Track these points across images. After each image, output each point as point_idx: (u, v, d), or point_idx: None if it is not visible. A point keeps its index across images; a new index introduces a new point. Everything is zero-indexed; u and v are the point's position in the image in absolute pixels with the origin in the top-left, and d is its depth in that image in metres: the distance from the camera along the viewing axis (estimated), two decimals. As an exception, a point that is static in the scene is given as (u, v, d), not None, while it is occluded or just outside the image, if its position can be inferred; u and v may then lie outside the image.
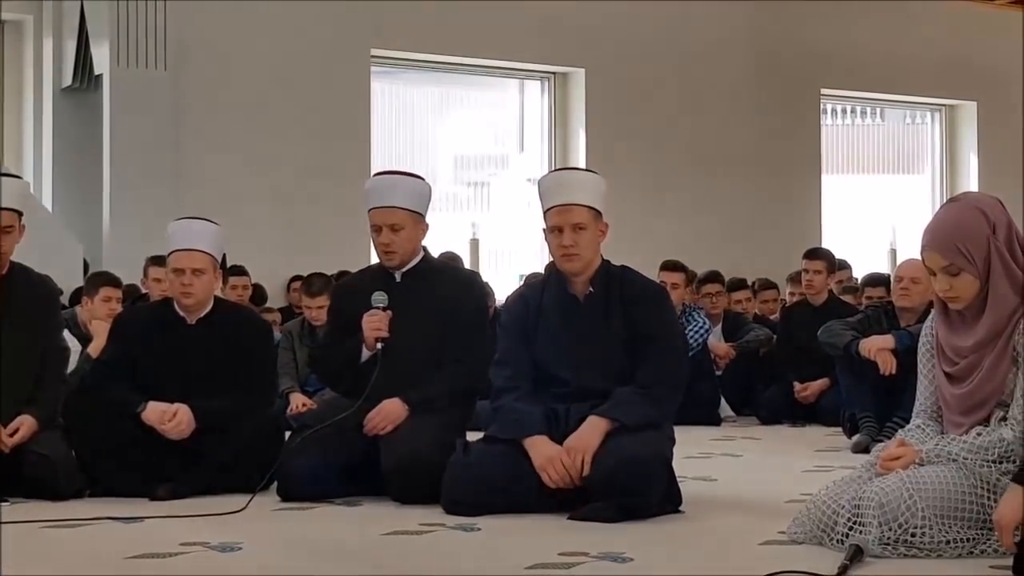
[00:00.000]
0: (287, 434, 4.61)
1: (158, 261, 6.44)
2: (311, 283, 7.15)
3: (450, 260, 7.22)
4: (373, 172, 10.22)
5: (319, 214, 10.00)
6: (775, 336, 7.92)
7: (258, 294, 9.18)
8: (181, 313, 4.63)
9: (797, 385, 7.36)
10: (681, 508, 3.99)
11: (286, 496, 4.28)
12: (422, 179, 4.63)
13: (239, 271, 8.44)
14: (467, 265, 9.13)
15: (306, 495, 4.25)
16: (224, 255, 4.76)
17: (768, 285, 9.36)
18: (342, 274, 7.39)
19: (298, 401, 6.60)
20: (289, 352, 6.90)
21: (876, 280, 8.14)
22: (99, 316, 6.27)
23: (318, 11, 10.12)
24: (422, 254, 4.61)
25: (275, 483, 4.31)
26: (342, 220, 10.05)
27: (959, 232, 3.29)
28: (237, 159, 9.77)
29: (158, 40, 9.33)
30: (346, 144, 10.24)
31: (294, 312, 8.50)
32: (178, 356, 4.55)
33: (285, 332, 7.13)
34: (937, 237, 3.34)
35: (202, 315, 4.63)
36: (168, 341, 4.59)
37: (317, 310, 6.92)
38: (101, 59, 9.33)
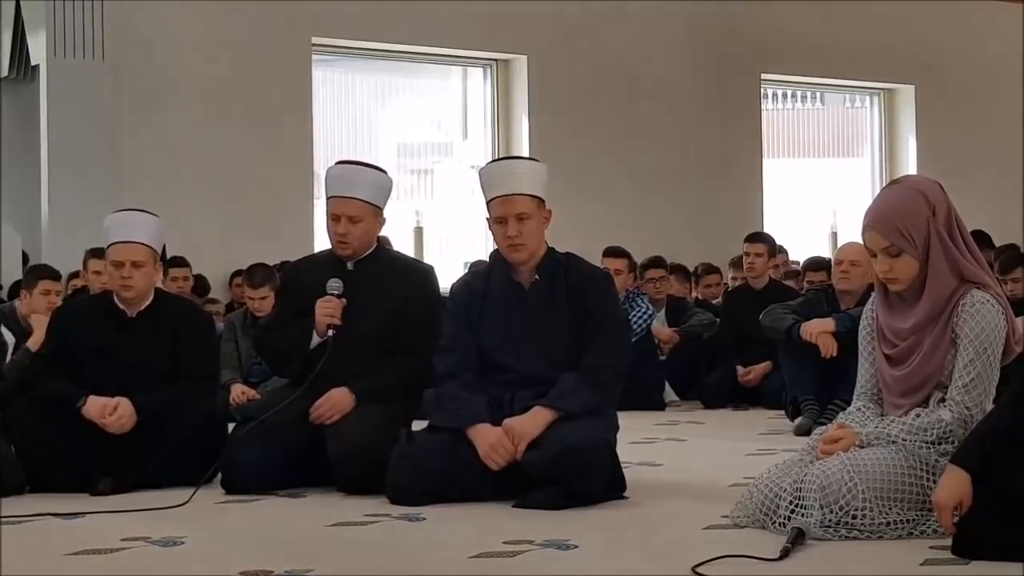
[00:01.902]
0: (231, 426, 4.58)
1: (98, 253, 6.36)
2: (253, 274, 7.08)
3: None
4: (316, 161, 10.29)
5: (261, 204, 9.92)
6: (718, 320, 7.97)
7: (200, 285, 9.10)
8: (121, 306, 4.58)
9: (740, 369, 7.42)
10: (625, 494, 4.00)
11: (230, 488, 4.25)
12: (384, 172, 4.62)
13: (180, 262, 8.36)
14: (411, 253, 9.10)
15: (250, 487, 4.22)
16: (164, 246, 4.71)
17: (711, 270, 9.43)
18: (284, 264, 7.34)
19: (238, 391, 6.54)
20: (232, 343, 6.83)
21: (817, 264, 8.21)
22: (38, 309, 6.19)
23: (258, 0, 10.03)
24: (375, 245, 4.59)
25: (219, 476, 4.28)
26: (284, 209, 9.99)
27: (899, 213, 3.34)
28: (177, 149, 9.66)
29: (95, 30, 9.20)
30: (288, 133, 10.16)
31: (236, 306, 8.42)
32: (119, 349, 4.51)
33: (228, 323, 7.06)
34: (878, 218, 3.38)
35: (143, 307, 4.58)
36: (108, 334, 4.54)
37: (260, 301, 6.86)
38: (37, 49, 9.19)
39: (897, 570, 2.97)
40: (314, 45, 10.45)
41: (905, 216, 3.32)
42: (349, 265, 4.53)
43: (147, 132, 9.53)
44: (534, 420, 3.91)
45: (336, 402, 4.35)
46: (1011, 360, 3.39)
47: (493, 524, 3.60)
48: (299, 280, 4.64)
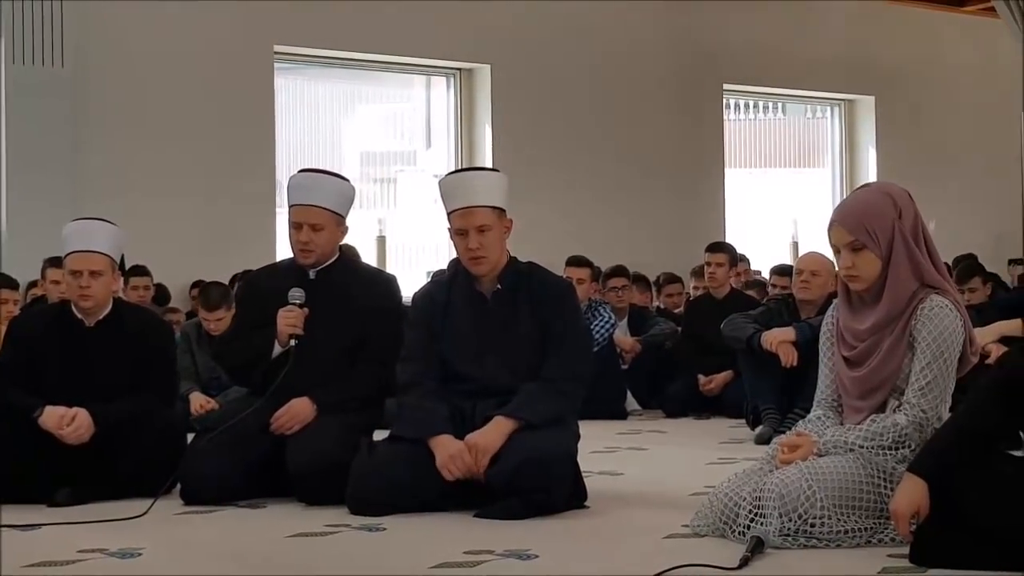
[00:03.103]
0: (190, 436, 4.55)
1: (56, 263, 6.30)
2: (209, 295, 6.89)
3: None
4: (279, 170, 10.25)
5: (223, 212, 9.88)
6: (679, 330, 8.00)
7: (161, 294, 9.04)
8: (79, 315, 4.54)
9: (701, 378, 7.44)
10: (587, 503, 4.01)
11: (189, 499, 4.22)
12: (347, 180, 4.60)
13: (141, 271, 8.31)
14: (374, 262, 9.08)
15: (209, 498, 4.19)
16: (123, 256, 4.67)
17: (672, 279, 9.46)
18: (245, 272, 7.29)
19: (198, 401, 6.50)
20: (188, 355, 6.76)
21: (782, 270, 8.27)
22: (-5, 319, 6.13)
23: (220, 7, 9.99)
24: (338, 254, 4.58)
25: (178, 486, 4.25)
26: (246, 218, 9.95)
27: (867, 212, 3.39)
28: (138, 157, 9.60)
29: (55, 37, 9.12)
30: (250, 141, 10.12)
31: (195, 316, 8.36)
32: (76, 359, 4.47)
33: (183, 333, 6.98)
34: (845, 214, 3.44)
35: (101, 317, 4.54)
36: (66, 344, 4.50)
37: (216, 323, 6.75)
38: (-3, 56, 9.11)
39: (855, 578, 2.99)
40: (276, 53, 10.41)
41: (872, 216, 3.38)
42: (311, 274, 4.52)
43: (107, 140, 9.46)
44: (496, 432, 3.91)
45: (297, 412, 4.33)
46: (968, 370, 3.43)
47: (454, 534, 3.59)
48: (261, 289, 4.62)
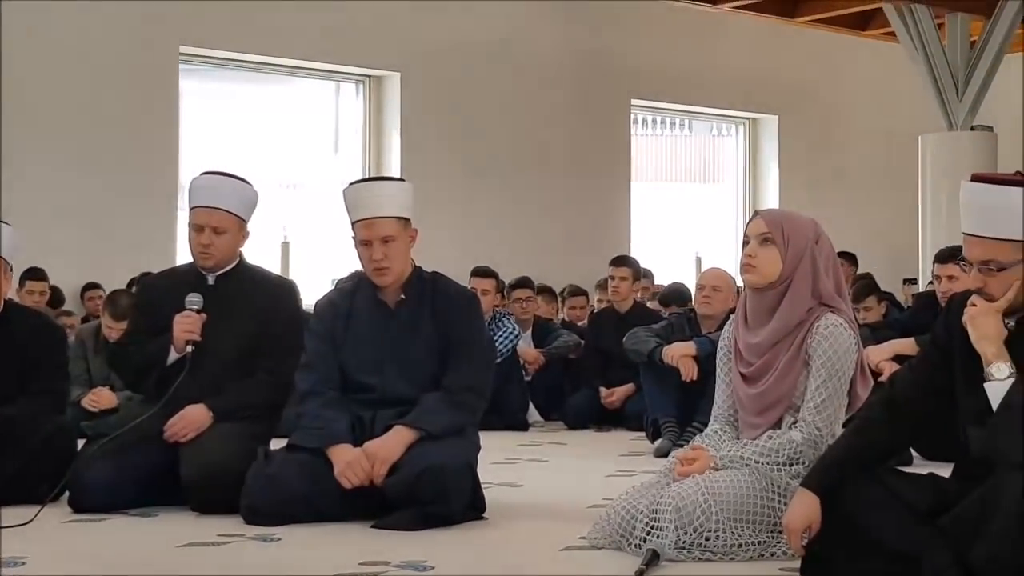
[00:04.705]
0: (80, 443, 4.44)
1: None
2: (116, 305, 6.68)
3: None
4: (182, 172, 10.09)
5: (124, 214, 9.71)
6: (583, 342, 8.04)
7: (55, 297, 8.83)
8: (-32, 318, 4.42)
9: (603, 390, 7.48)
10: (485, 515, 4.00)
11: (78, 507, 4.12)
12: (251, 185, 4.54)
13: (37, 275, 8.12)
14: (278, 269, 8.98)
15: (99, 506, 4.09)
16: (10, 259, 4.54)
17: (577, 292, 9.50)
18: (145, 275, 7.16)
19: (91, 397, 6.33)
20: (82, 361, 6.60)
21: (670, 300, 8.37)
22: None
23: (126, 6, 9.82)
24: (238, 259, 4.51)
25: (66, 494, 4.15)
26: (148, 221, 9.79)
27: (790, 220, 3.54)
28: (37, 158, 9.39)
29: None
30: (154, 143, 9.96)
31: (92, 319, 8.17)
32: (-35, 362, 4.34)
33: (78, 339, 6.81)
34: (770, 212, 3.61)
35: (-9, 320, 4.42)
36: (-45, 347, 4.37)
37: (119, 333, 6.58)
38: None
39: (748, 592, 3.02)
40: (182, 54, 10.27)
41: (793, 225, 3.51)
42: (210, 279, 4.45)
43: (5, 139, 9.24)
44: (395, 441, 3.88)
45: (192, 419, 4.26)
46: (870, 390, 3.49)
47: (350, 544, 3.55)
48: (158, 294, 4.53)
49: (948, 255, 5.87)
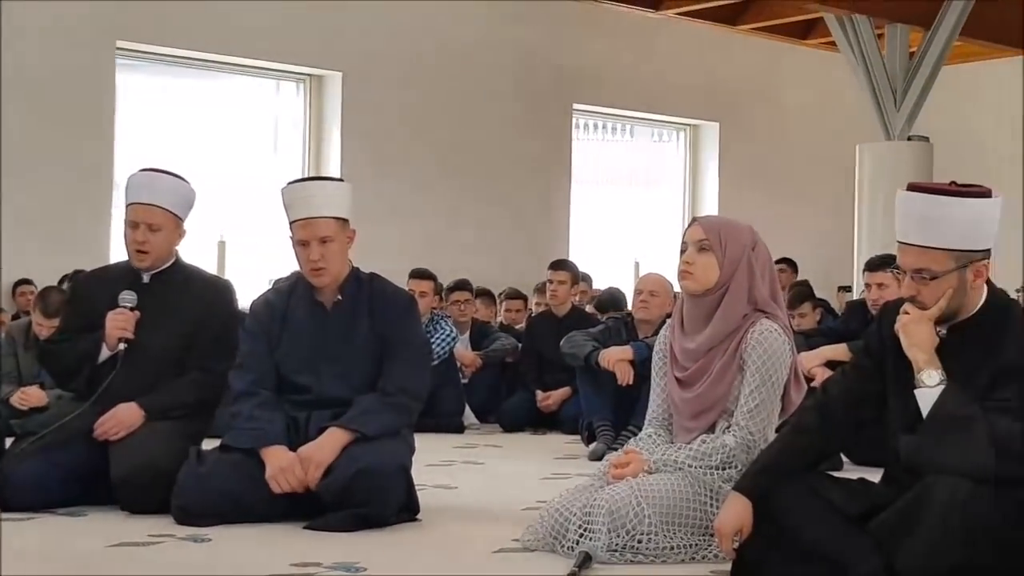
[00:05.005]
0: (8, 440, 4.37)
1: None
2: (47, 302, 6.53)
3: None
4: (117, 169, 9.97)
5: (58, 210, 9.58)
6: (520, 345, 8.04)
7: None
8: None
9: (539, 393, 7.49)
10: (419, 517, 3.99)
11: (6, 506, 4.04)
12: (188, 182, 4.48)
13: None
14: (214, 267, 8.90)
15: (26, 504, 4.02)
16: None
17: (515, 295, 9.50)
18: (78, 272, 7.06)
19: (20, 395, 6.23)
20: (12, 358, 6.49)
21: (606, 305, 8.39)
22: None
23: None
24: (174, 258, 4.46)
25: (-7, 492, 4.08)
26: (83, 217, 9.66)
27: (727, 226, 3.58)
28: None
29: None
30: (89, 138, 9.84)
31: (23, 315, 8.04)
32: None
33: (8, 336, 6.69)
34: (708, 219, 3.66)
35: (-84, 315, 4.34)
36: None
37: (50, 330, 6.48)
38: None
39: (679, 594, 3.03)
40: (119, 49, 10.15)
41: (731, 231, 3.54)
42: (145, 277, 4.39)
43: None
44: (329, 444, 3.86)
45: (122, 418, 4.20)
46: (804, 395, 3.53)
47: (281, 545, 3.53)
48: (90, 290, 4.47)
49: (878, 263, 5.95)
